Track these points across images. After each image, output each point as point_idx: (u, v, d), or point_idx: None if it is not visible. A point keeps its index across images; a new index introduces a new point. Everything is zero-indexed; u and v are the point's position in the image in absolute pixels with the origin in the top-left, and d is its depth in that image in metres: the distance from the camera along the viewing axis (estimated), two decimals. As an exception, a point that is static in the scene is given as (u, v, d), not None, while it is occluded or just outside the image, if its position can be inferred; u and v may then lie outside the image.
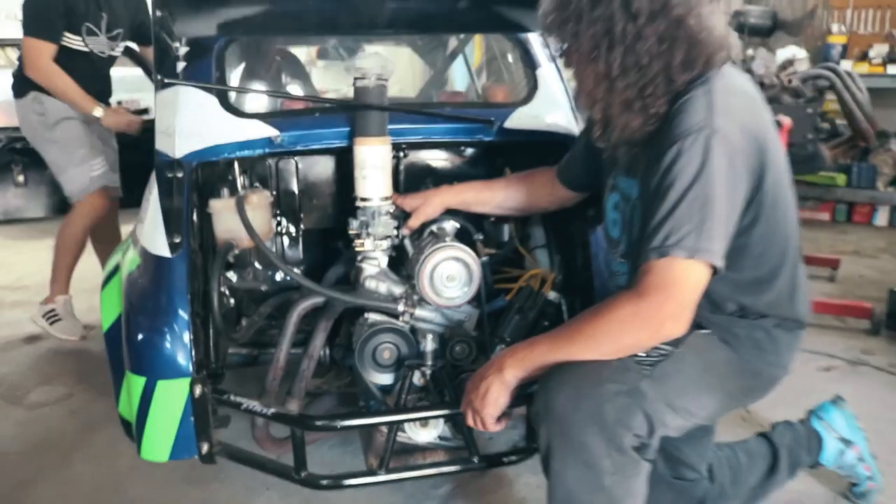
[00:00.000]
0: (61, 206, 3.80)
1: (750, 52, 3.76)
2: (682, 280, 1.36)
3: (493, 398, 1.49)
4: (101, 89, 3.45)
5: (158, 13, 1.88)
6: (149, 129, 2.27)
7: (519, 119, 2.14)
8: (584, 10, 1.43)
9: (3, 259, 4.89)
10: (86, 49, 3.31)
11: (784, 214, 1.54)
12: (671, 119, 1.43)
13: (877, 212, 5.33)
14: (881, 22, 5.53)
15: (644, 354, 1.45)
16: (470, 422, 1.55)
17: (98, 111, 3.25)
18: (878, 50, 5.18)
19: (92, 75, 3.36)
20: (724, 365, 1.55)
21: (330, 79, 4.38)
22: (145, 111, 3.86)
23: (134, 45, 3.64)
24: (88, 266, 4.15)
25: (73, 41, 3.27)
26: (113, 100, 3.64)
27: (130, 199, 3.89)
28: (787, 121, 3.31)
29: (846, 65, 5.19)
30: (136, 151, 3.60)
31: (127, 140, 3.59)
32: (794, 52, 3.60)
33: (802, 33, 5.11)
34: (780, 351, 1.61)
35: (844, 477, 2.10)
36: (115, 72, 3.60)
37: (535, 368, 1.46)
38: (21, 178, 3.57)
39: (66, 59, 3.25)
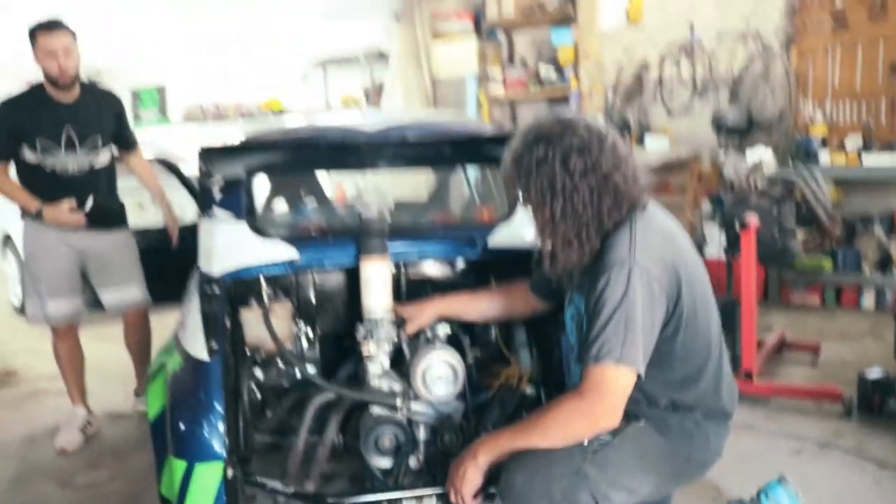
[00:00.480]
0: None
1: (722, 158, 4.16)
2: (612, 383, 1.72)
3: (468, 478, 1.84)
4: (84, 199, 3.47)
5: (202, 164, 2.32)
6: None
7: (500, 235, 2.53)
8: (532, 168, 1.83)
9: (45, 348, 5.28)
10: (46, 165, 3.37)
11: (705, 322, 1.89)
12: (602, 253, 1.82)
13: (863, 295, 5.60)
14: (858, 113, 5.91)
15: (587, 443, 1.79)
16: (452, 498, 1.89)
17: (35, 206, 3.36)
18: (853, 142, 5.54)
19: (63, 187, 3.40)
20: (658, 451, 1.88)
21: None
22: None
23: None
24: (125, 359, 4.57)
25: (30, 157, 3.37)
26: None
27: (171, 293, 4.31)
28: (754, 220, 3.69)
29: (825, 156, 5.57)
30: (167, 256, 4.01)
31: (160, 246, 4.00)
32: (761, 156, 3.99)
33: (774, 132, 5.51)
34: (709, 438, 1.93)
35: (791, 547, 2.38)
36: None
37: (501, 454, 1.82)
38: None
39: (30, 174, 3.40)
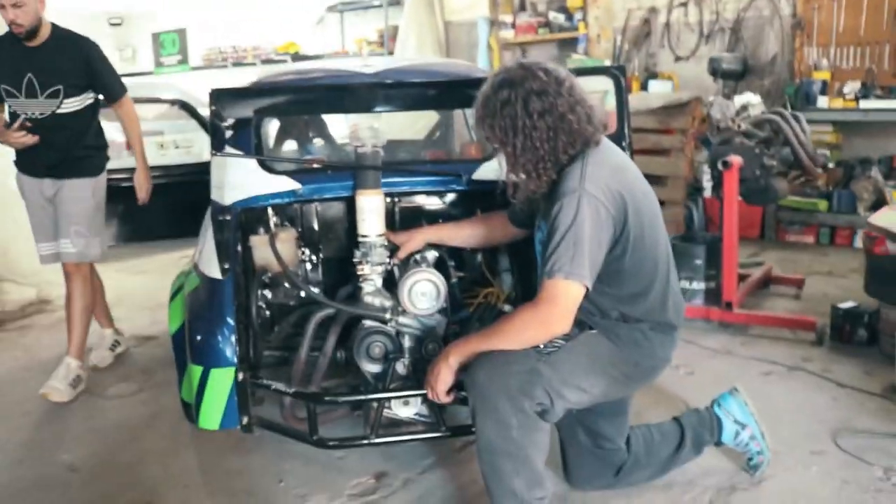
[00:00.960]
0: (128, 236, 4.46)
1: (710, 98, 4.33)
2: (562, 294, 1.99)
3: (441, 377, 2.13)
4: (52, 146, 3.48)
5: (213, 106, 2.58)
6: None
7: (484, 171, 2.77)
8: (497, 109, 2.08)
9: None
10: (12, 108, 3.41)
11: (652, 244, 2.15)
12: (558, 184, 2.07)
13: (857, 235, 5.78)
14: (861, 58, 6.01)
15: (542, 346, 2.07)
16: (429, 395, 2.19)
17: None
18: (852, 86, 5.67)
19: (31, 132, 3.42)
20: (607, 356, 2.16)
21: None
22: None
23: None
24: (148, 289, 4.91)
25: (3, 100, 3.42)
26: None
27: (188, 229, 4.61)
28: (736, 160, 3.89)
29: (823, 100, 5.71)
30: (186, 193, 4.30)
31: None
32: (748, 99, 4.16)
33: (768, 76, 5.63)
34: (654, 347, 2.20)
35: (741, 452, 2.64)
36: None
37: (469, 355, 2.11)
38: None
39: (8, 115, 3.44)
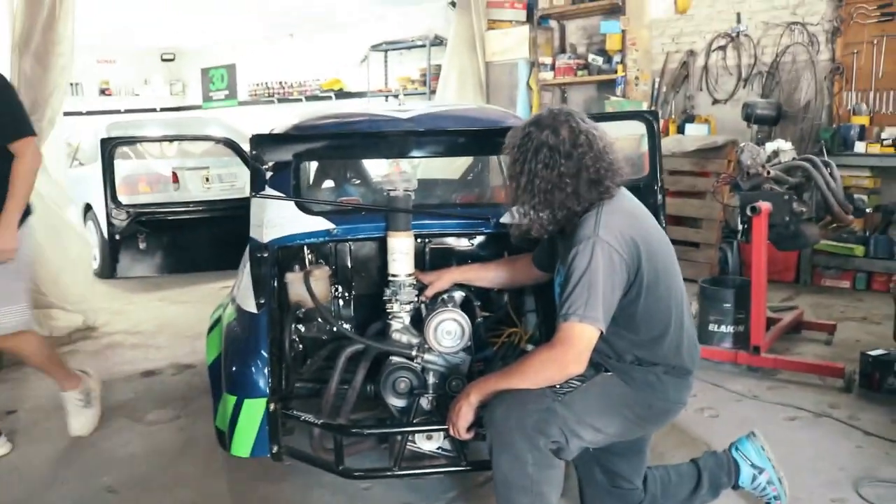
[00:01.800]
0: (172, 267, 4.64)
1: (741, 144, 4.38)
2: (577, 336, 2.08)
3: (462, 414, 2.23)
4: None
5: (254, 150, 2.74)
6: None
7: (511, 215, 2.87)
8: (515, 145, 2.26)
9: (122, 308, 5.90)
10: None
11: (665, 291, 2.23)
12: (574, 231, 2.18)
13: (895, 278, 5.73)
14: (903, 103, 6.01)
15: (558, 386, 2.16)
16: (450, 431, 2.28)
17: None
18: (890, 132, 5.68)
19: None
20: (622, 397, 2.22)
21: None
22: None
23: None
24: (188, 319, 5.07)
25: None
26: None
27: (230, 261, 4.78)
28: (765, 206, 3.94)
29: (861, 145, 5.73)
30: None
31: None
32: (779, 145, 4.21)
33: (801, 122, 5.66)
34: (668, 390, 2.26)
35: (759, 496, 2.67)
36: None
37: (489, 393, 2.20)
38: (143, 245, 4.45)
39: None
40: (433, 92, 9.02)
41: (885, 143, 5.63)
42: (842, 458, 3.12)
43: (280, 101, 11.24)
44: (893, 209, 5.81)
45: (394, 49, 9.80)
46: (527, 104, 8.04)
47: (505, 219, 2.82)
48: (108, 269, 6.35)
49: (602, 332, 2.10)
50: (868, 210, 5.58)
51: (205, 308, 5.76)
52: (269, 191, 2.83)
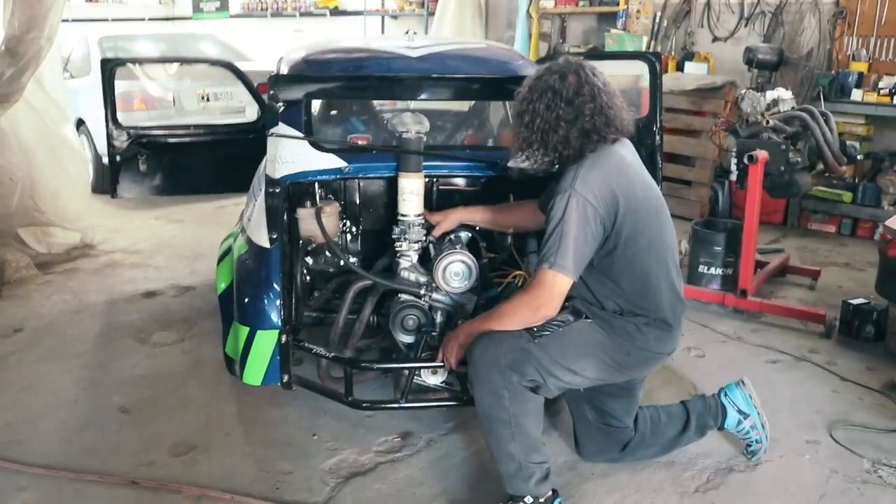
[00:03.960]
0: (172, 189, 4.67)
1: (742, 91, 4.42)
2: (549, 282, 2.23)
3: (454, 353, 2.43)
4: None
5: (272, 91, 2.76)
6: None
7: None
8: (525, 86, 2.39)
9: (119, 226, 5.91)
10: None
11: (646, 244, 2.35)
12: (558, 181, 2.32)
13: (878, 228, 5.87)
14: (900, 51, 6.02)
15: (536, 329, 2.30)
16: (445, 365, 2.49)
17: None
18: (888, 81, 5.71)
19: None
20: (598, 343, 2.37)
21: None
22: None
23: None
24: (185, 239, 5.10)
25: None
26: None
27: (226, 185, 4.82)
28: (763, 154, 4.01)
29: (858, 93, 5.77)
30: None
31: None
32: (779, 94, 4.25)
33: (803, 69, 5.67)
34: (648, 341, 2.40)
35: (742, 438, 2.83)
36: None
37: (473, 334, 2.37)
38: (144, 167, 4.47)
39: None
40: (431, 14, 8.88)
41: (881, 91, 5.67)
42: (818, 401, 3.30)
43: (273, 15, 10.99)
44: (884, 157, 5.90)
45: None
46: (526, 32, 7.95)
47: (510, 162, 2.88)
48: (102, 186, 6.38)
49: (574, 281, 2.25)
50: (859, 157, 5.67)
51: (201, 228, 5.86)
52: (282, 127, 2.86)
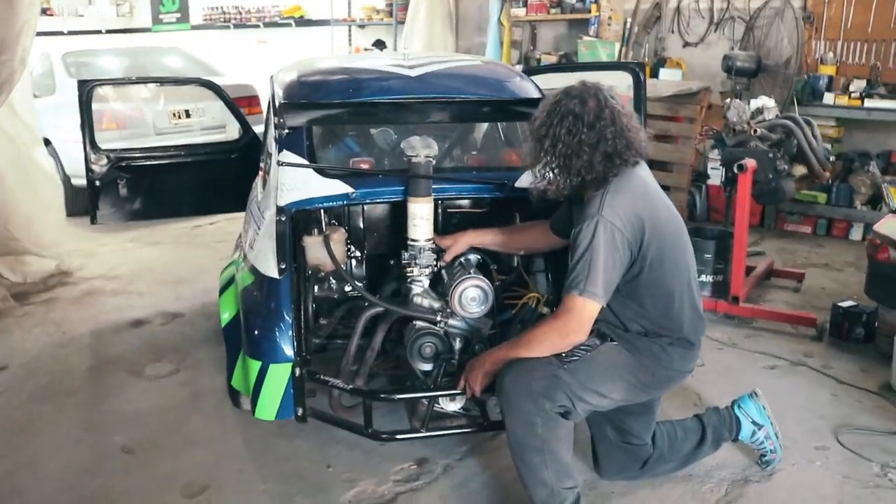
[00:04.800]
0: (153, 213, 4.56)
1: (727, 100, 4.47)
2: (578, 308, 2.24)
3: (478, 381, 2.42)
4: None
5: (281, 118, 2.71)
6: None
7: (525, 179, 2.91)
8: (544, 110, 2.38)
9: (94, 250, 5.72)
10: None
11: (673, 266, 2.37)
12: (582, 208, 2.32)
13: (852, 228, 6.00)
14: (867, 55, 6.16)
15: (564, 354, 2.30)
16: (467, 393, 2.48)
17: None
18: (857, 85, 5.84)
19: None
20: (625, 365, 2.38)
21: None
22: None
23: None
24: (164, 262, 4.99)
25: None
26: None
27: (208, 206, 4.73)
28: (751, 163, 4.06)
29: (829, 97, 5.89)
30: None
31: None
32: (764, 102, 4.32)
33: (781, 76, 5.78)
34: (673, 360, 2.42)
35: (756, 449, 2.86)
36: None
37: (500, 362, 2.37)
38: (124, 192, 4.35)
39: None
40: (401, 23, 8.84)
41: (852, 95, 5.79)
42: (820, 406, 3.34)
43: (237, 26, 10.84)
44: (853, 157, 6.03)
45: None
46: (497, 40, 7.95)
47: (522, 182, 2.87)
48: (72, 208, 6.20)
49: (602, 307, 2.25)
50: (832, 158, 5.79)
51: (179, 250, 5.74)
52: (286, 154, 2.81)
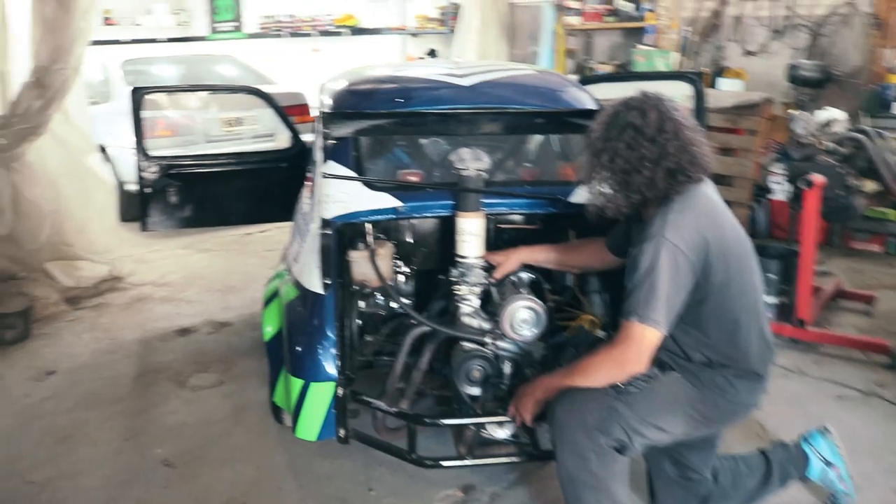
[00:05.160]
0: (203, 221, 4.54)
1: (793, 112, 4.26)
2: (637, 336, 2.07)
3: (527, 407, 2.28)
4: None
5: (325, 129, 2.63)
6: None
7: (580, 194, 2.77)
8: (602, 122, 2.22)
9: (145, 256, 5.75)
10: None
11: (739, 291, 2.18)
12: (644, 227, 2.16)
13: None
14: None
15: (622, 385, 2.15)
16: (517, 421, 2.33)
17: None
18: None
19: None
20: (687, 398, 2.21)
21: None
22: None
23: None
24: (215, 270, 4.97)
25: None
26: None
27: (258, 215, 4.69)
28: (820, 179, 3.85)
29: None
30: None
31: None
32: (832, 114, 4.10)
33: (849, 87, 5.52)
34: (739, 393, 2.24)
35: (826, 490, 2.67)
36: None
37: (552, 390, 2.23)
38: (175, 199, 4.34)
39: None
40: (452, 31, 8.76)
41: (924, 104, 5.50)
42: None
43: (292, 35, 10.88)
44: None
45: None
46: (551, 49, 7.82)
47: (577, 197, 2.73)
48: (125, 214, 6.25)
49: (664, 335, 2.09)
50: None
51: (230, 258, 5.73)
52: (333, 166, 2.73)
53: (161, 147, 5.11)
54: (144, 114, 4.24)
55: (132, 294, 4.96)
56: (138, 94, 4.19)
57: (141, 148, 4.16)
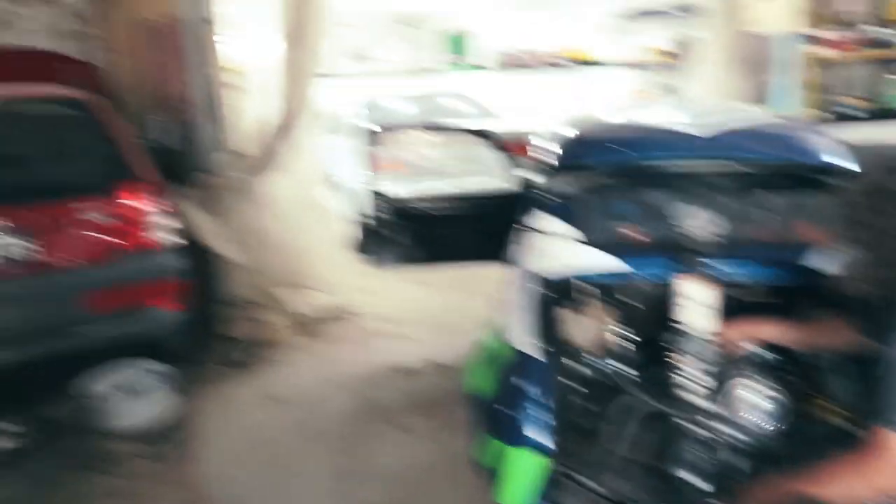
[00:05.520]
0: (432, 259, 4.62)
1: None
2: (892, 449, 1.73)
3: None
4: None
5: (545, 181, 2.56)
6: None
7: (828, 263, 2.39)
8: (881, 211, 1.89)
9: (369, 286, 5.75)
10: None
11: None
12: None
13: None
14: None
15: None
16: None
17: None
18: None
19: None
20: None
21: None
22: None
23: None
24: (438, 306, 5.17)
25: None
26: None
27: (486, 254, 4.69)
28: None
29: None
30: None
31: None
32: None
33: None
34: None
35: None
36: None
37: (787, 496, 1.93)
38: (403, 236, 4.45)
39: None
40: (680, 64, 8.39)
41: None
42: None
43: (522, 68, 10.97)
44: None
45: (640, 16, 9.21)
46: (787, 82, 7.20)
47: (824, 266, 2.40)
48: (352, 245, 6.59)
49: None
50: None
51: (452, 294, 5.70)
52: (551, 220, 2.64)
53: (390, 183, 5.32)
54: (377, 150, 4.44)
55: (357, 327, 5.16)
56: (372, 133, 4.40)
57: (372, 186, 4.34)
